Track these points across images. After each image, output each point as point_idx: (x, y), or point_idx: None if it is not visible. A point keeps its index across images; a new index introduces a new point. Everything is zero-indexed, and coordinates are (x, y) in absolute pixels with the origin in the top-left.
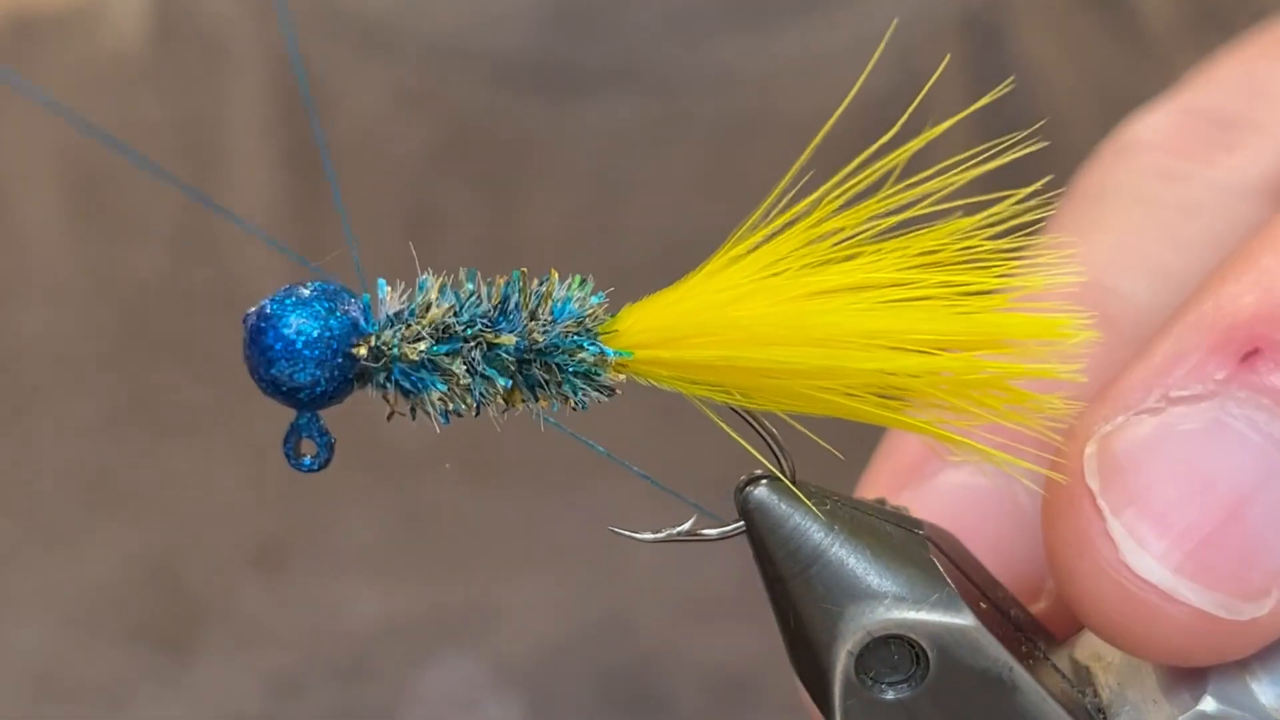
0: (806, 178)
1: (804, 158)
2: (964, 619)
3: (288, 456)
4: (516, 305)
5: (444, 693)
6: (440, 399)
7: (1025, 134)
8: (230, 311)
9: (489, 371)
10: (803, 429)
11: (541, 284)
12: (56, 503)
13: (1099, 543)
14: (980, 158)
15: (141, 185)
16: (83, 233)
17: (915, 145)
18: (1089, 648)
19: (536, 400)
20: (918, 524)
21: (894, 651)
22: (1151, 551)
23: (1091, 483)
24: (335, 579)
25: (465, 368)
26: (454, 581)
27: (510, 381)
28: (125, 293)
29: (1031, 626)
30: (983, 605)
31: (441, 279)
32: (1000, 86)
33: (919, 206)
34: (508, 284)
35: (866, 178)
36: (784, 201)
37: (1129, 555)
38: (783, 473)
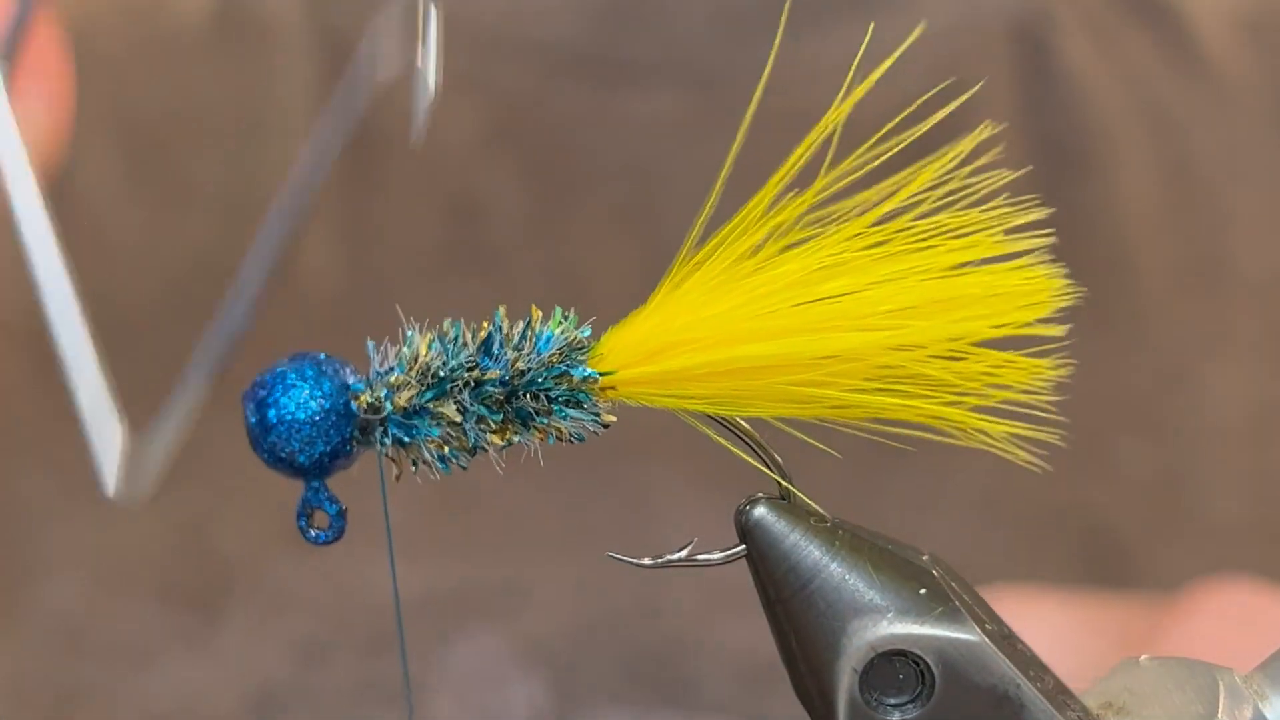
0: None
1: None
2: (969, 634)
3: (302, 531)
4: (500, 344)
5: (470, 669)
6: (436, 445)
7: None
8: (275, 285)
9: (479, 409)
10: (800, 434)
11: (526, 323)
12: (91, 463)
13: None
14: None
15: (198, 155)
16: (137, 197)
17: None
18: (1101, 695)
19: (530, 433)
20: (919, 549)
21: (898, 670)
22: None
23: None
24: (366, 552)
25: (456, 408)
26: (484, 559)
27: (501, 416)
28: (174, 258)
29: (1038, 664)
30: (988, 627)
31: (428, 334)
32: (978, 129)
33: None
34: (491, 328)
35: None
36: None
37: None
38: (780, 489)
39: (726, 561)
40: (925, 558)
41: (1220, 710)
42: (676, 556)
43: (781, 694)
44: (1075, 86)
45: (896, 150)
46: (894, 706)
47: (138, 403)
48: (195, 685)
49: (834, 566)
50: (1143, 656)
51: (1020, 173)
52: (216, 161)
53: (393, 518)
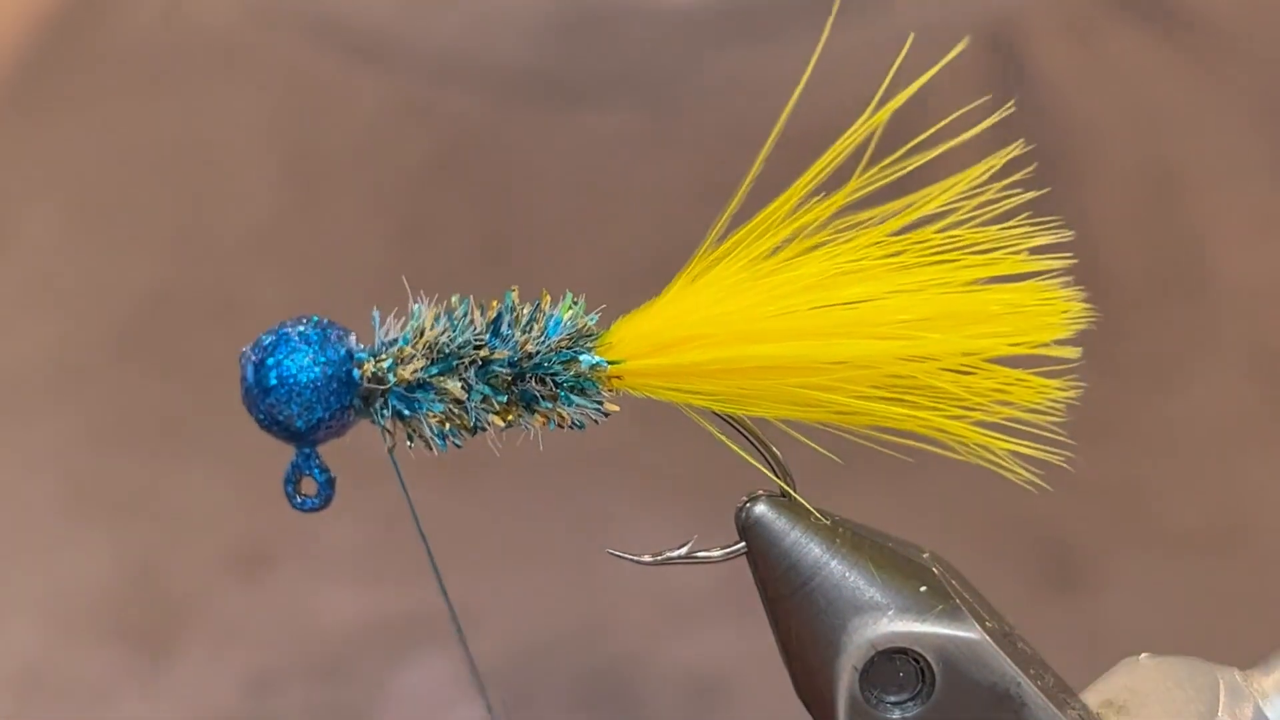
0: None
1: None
2: (970, 631)
3: (289, 496)
4: (510, 324)
5: (419, 693)
6: (438, 420)
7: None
8: (220, 322)
9: (484, 388)
10: (801, 437)
11: (535, 305)
12: (44, 508)
13: None
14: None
15: (139, 198)
16: (81, 246)
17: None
18: (1102, 694)
19: (533, 417)
20: (920, 548)
21: (899, 668)
22: None
23: None
24: (314, 582)
25: (461, 385)
26: (432, 584)
27: (506, 397)
28: (120, 304)
29: (1040, 663)
30: (988, 624)
31: (435, 307)
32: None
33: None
34: (501, 307)
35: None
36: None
37: None
38: (781, 487)
39: (727, 559)
40: (925, 555)
41: (1221, 708)
42: (677, 554)
43: (729, 710)
44: (1050, 88)
45: (902, 155)
46: (894, 704)
47: (89, 445)
48: None
49: (834, 564)
50: (1143, 655)
51: (1039, 193)
52: (161, 202)
53: (339, 544)
